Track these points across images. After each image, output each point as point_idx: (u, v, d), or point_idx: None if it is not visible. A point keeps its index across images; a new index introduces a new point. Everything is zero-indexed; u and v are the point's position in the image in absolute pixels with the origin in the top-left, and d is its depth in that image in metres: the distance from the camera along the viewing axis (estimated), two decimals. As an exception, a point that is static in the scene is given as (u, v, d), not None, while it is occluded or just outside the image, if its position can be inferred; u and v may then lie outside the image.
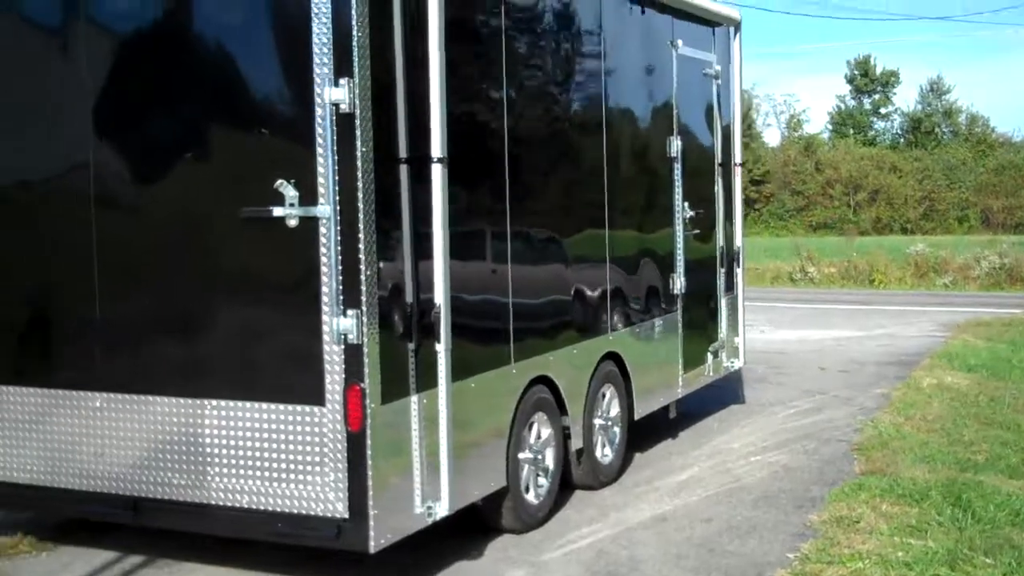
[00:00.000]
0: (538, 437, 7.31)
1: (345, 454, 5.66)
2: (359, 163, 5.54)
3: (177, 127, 6.03)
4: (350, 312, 5.58)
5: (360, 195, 5.55)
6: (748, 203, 70.41)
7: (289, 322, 5.76)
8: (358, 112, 5.52)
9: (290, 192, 5.63)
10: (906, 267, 30.40)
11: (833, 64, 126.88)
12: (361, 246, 5.56)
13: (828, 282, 30.03)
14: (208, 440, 5.96)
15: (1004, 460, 8.74)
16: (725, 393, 11.60)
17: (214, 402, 5.94)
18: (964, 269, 29.42)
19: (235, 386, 5.89)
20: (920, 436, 9.54)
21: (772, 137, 78.31)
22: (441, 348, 6.00)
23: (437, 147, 5.93)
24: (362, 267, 5.57)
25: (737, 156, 10.58)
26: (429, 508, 6.04)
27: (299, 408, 5.74)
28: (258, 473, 5.85)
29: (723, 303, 10.33)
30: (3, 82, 6.48)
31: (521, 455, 7.09)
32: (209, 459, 5.96)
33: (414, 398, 5.98)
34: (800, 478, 8.38)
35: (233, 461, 5.91)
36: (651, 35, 8.97)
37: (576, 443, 7.72)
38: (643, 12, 8.77)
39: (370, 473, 5.64)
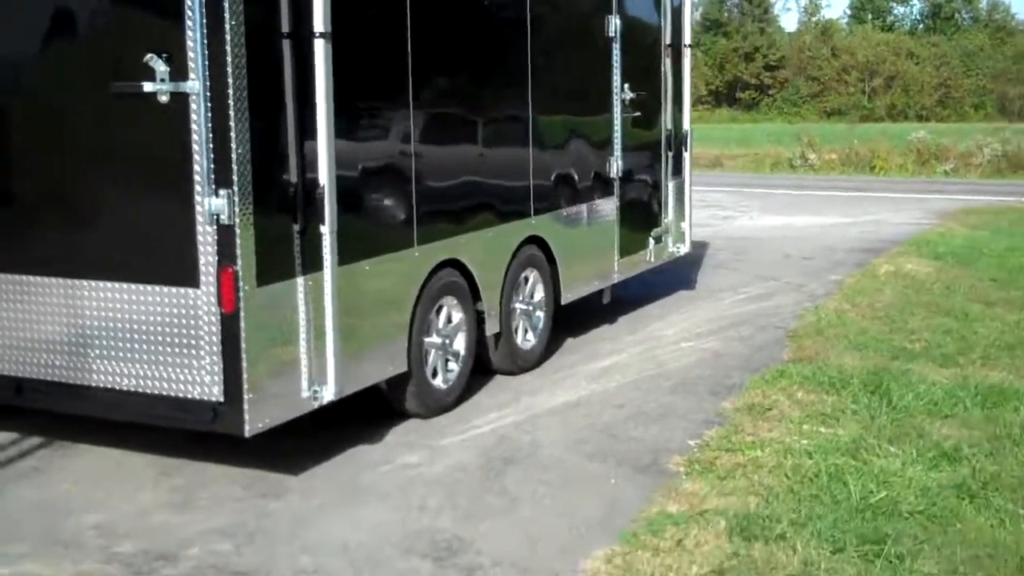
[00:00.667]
0: (448, 321, 7.21)
1: (219, 336, 5.56)
2: (228, 37, 5.33)
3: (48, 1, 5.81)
4: (222, 192, 5.42)
5: (230, 70, 5.35)
6: (761, 88, 69.90)
7: (163, 202, 5.61)
8: (227, -16, 5.30)
9: (160, 67, 5.44)
10: (908, 154, 30.03)
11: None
12: (232, 123, 5.38)
13: (828, 168, 29.71)
14: (88, 322, 5.87)
15: (941, 349, 8.63)
16: (675, 278, 11.48)
17: (92, 283, 5.83)
18: (966, 157, 29.04)
19: (112, 267, 5.77)
20: (861, 323, 9.42)
21: (790, 23, 76.94)
22: (326, 230, 5.85)
23: (320, 22, 5.71)
24: (233, 145, 5.40)
25: (686, 38, 10.28)
26: (315, 392, 5.96)
27: (174, 290, 5.63)
28: (136, 356, 5.77)
29: (669, 188, 10.14)
30: None
31: (427, 339, 6.99)
32: (89, 341, 5.88)
33: (299, 280, 5.86)
34: (725, 365, 8.28)
35: (112, 343, 5.82)
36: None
37: (492, 328, 7.62)
38: None
39: (244, 356, 5.54)
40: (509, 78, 7.77)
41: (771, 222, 17.21)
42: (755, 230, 16.18)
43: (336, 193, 5.86)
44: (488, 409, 7.27)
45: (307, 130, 5.79)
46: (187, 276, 5.57)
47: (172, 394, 5.71)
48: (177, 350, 5.66)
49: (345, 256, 6.06)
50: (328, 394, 5.98)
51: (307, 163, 5.81)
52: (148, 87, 5.47)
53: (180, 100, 5.45)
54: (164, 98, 5.47)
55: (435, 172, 6.92)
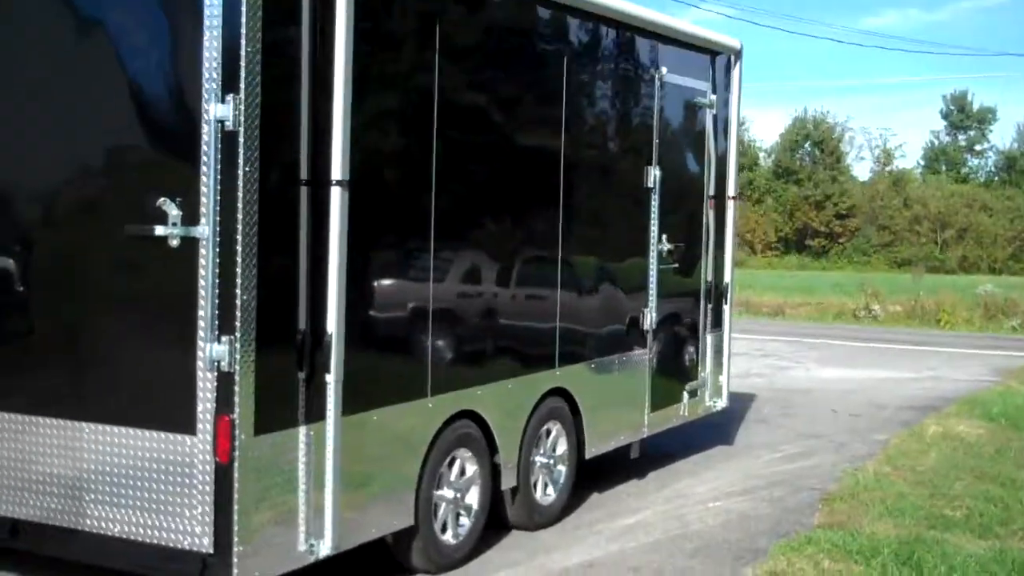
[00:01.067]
0: (461, 474, 7.04)
1: (213, 486, 5.44)
2: (240, 183, 5.33)
3: (65, 138, 5.85)
4: (224, 338, 5.36)
5: (240, 216, 5.34)
6: (831, 236, 69.57)
7: (167, 346, 5.56)
8: (242, 130, 5.32)
9: (173, 211, 5.44)
10: (974, 308, 29.54)
11: (930, 99, 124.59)
12: (238, 270, 5.35)
13: (893, 321, 29.24)
14: (85, 464, 5.78)
15: (982, 518, 8.29)
16: (712, 433, 11.20)
17: (92, 425, 5.75)
18: (1034, 312, 28.49)
19: (113, 410, 5.70)
20: (900, 488, 9.09)
21: (862, 171, 77.00)
22: (331, 379, 5.76)
23: (338, 170, 5.71)
24: (238, 291, 5.35)
25: (731, 189, 10.20)
26: (312, 546, 5.80)
27: (172, 436, 5.53)
28: (130, 501, 5.65)
29: (707, 341, 9.95)
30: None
31: (438, 492, 6.82)
32: (85, 484, 5.78)
33: (302, 430, 5.76)
34: (752, 528, 7.99)
35: (107, 488, 5.71)
36: (629, 60, 8.67)
37: (508, 482, 7.42)
38: (619, 35, 8.47)
39: (236, 507, 5.41)
40: (537, 225, 7.70)
41: (826, 374, 16.89)
42: (808, 382, 15.87)
43: (345, 341, 5.78)
44: (498, 567, 7.04)
45: (319, 277, 5.74)
46: (184, 423, 5.48)
47: (162, 543, 5.57)
48: (170, 498, 5.54)
49: (352, 405, 5.96)
50: (325, 548, 5.82)
51: (316, 310, 5.74)
52: (159, 231, 5.46)
53: (190, 245, 5.43)
54: (175, 242, 5.46)
55: (453, 320, 6.84)
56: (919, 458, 10.30)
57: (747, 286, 38.86)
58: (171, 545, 5.54)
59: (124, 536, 5.67)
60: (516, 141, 7.47)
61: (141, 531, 5.62)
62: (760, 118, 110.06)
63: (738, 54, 10.07)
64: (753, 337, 22.66)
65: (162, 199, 5.43)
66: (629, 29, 8.60)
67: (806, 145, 76.08)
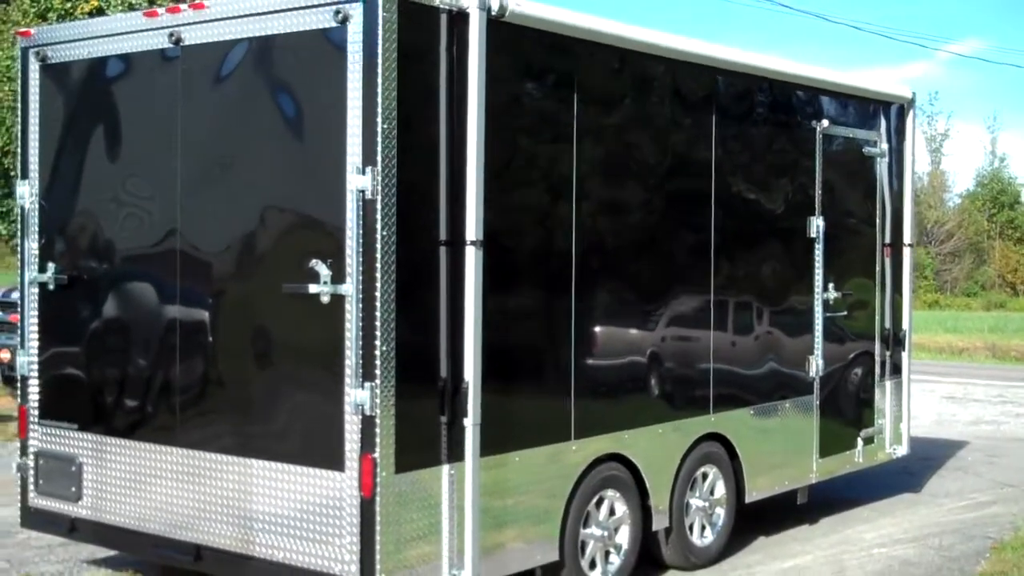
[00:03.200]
0: (611, 514, 7.40)
1: (359, 518, 6.02)
2: (378, 246, 5.94)
3: (236, 206, 6.60)
4: (367, 385, 5.96)
5: (378, 275, 5.94)
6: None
7: (320, 391, 6.19)
8: (379, 199, 5.93)
9: (324, 271, 6.09)
10: None
11: None
12: (378, 323, 5.94)
13: None
14: (254, 496, 6.46)
15: None
16: (900, 480, 11.15)
17: (260, 462, 6.44)
18: None
19: (276, 448, 6.37)
20: (1083, 541, 8.88)
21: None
22: (469, 423, 6.27)
23: (472, 231, 6.25)
24: (377, 343, 5.94)
25: (907, 236, 10.23)
26: (454, 575, 6.31)
27: (325, 472, 6.15)
28: (291, 531, 6.30)
29: (885, 387, 9.98)
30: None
31: (585, 530, 7.20)
32: (254, 514, 6.46)
33: (444, 468, 6.28)
34: (909, 574, 8.02)
35: (272, 518, 6.37)
36: (784, 114, 8.92)
37: (660, 523, 7.73)
38: (772, 90, 8.74)
39: (379, 538, 5.97)
40: (691, 282, 8.03)
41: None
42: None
43: (486, 387, 6.30)
44: (647, 604, 7.36)
45: (457, 328, 6.27)
46: (334, 460, 6.09)
47: (317, 568, 6.18)
48: (324, 528, 6.15)
49: (494, 446, 6.47)
50: (465, 578, 6.31)
51: (456, 360, 6.27)
52: (312, 288, 6.11)
53: (338, 301, 6.06)
54: (325, 299, 6.09)
55: (598, 365, 7.24)
56: (1116, 507, 9.99)
57: (996, 329, 37.46)
58: (325, 571, 6.15)
59: (286, 562, 6.31)
60: (669, 195, 7.87)
61: (300, 558, 6.25)
62: (1017, 155, 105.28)
63: (910, 103, 10.13)
64: (996, 383, 22.00)
65: (314, 260, 6.09)
66: (785, 86, 8.86)
67: (1069, 181, 72.50)
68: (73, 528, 7.38)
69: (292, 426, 6.35)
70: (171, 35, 6.76)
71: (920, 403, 18.21)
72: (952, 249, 68.94)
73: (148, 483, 6.96)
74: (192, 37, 6.70)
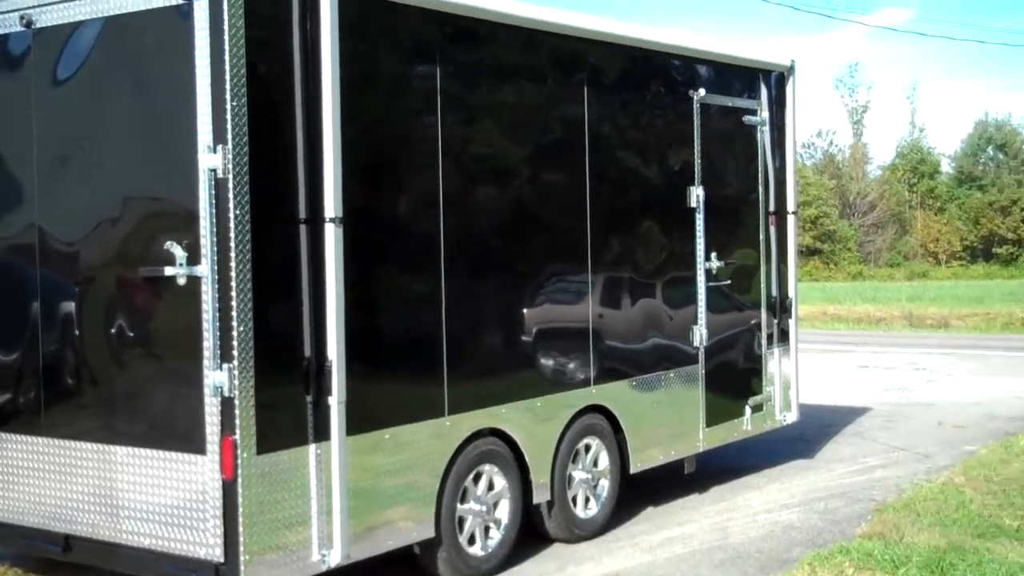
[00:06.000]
0: (489, 488, 7.41)
1: (221, 501, 5.97)
2: (232, 225, 5.87)
3: (90, 189, 6.49)
4: (224, 366, 5.90)
5: (233, 255, 5.88)
6: (1020, 243, 66.99)
7: (180, 374, 6.13)
8: (231, 177, 5.86)
9: (179, 252, 6.02)
10: None
11: None
12: (233, 303, 5.88)
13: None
14: (119, 484, 6.38)
15: (1040, 527, 8.20)
16: (795, 447, 11.29)
17: (123, 449, 6.36)
18: None
19: (138, 434, 6.29)
20: (964, 498, 9.04)
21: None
22: (333, 401, 6.24)
23: (331, 208, 6.21)
24: (234, 323, 5.89)
25: (791, 204, 10.33)
26: (323, 556, 6.28)
27: (187, 456, 6.08)
28: (157, 517, 6.23)
29: (772, 355, 10.08)
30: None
31: (463, 506, 7.20)
32: (120, 501, 6.38)
33: (311, 448, 6.25)
34: (791, 539, 8.13)
35: (138, 504, 6.30)
36: (661, 83, 8.94)
37: (541, 496, 7.75)
38: (646, 60, 8.76)
39: (241, 520, 5.92)
40: (563, 254, 8.03)
41: (966, 387, 16.47)
42: (939, 395, 15.56)
43: (351, 365, 6.27)
44: (527, 577, 7.39)
45: (320, 307, 6.23)
46: (196, 443, 6.03)
47: (181, 553, 6.12)
48: (188, 512, 6.09)
49: (363, 424, 6.46)
50: (335, 558, 6.28)
51: (319, 339, 6.23)
52: (168, 271, 6.04)
53: (194, 283, 5.99)
54: (182, 281, 6.03)
55: (471, 340, 7.23)
56: (999, 468, 10.17)
57: (915, 298, 38.08)
58: (189, 555, 6.10)
59: (151, 548, 6.25)
60: (540, 167, 7.87)
61: (166, 543, 6.18)
62: (936, 125, 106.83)
63: (790, 71, 10.21)
64: (910, 350, 22.34)
65: (169, 242, 6.02)
66: (659, 56, 8.89)
67: (988, 149, 73.78)
68: None
69: (154, 411, 6.28)
70: (22, 18, 6.63)
71: (832, 372, 18.51)
72: (875, 220, 69.96)
73: (17, 475, 6.86)
74: (44, 19, 6.58)
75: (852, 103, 75.99)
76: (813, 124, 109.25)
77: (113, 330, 6.42)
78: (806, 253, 62.86)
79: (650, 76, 8.87)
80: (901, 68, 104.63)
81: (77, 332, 6.59)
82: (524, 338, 7.68)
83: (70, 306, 6.63)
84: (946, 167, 75.53)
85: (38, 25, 6.60)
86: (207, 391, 5.96)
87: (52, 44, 6.58)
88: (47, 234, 6.68)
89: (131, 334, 6.36)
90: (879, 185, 72.04)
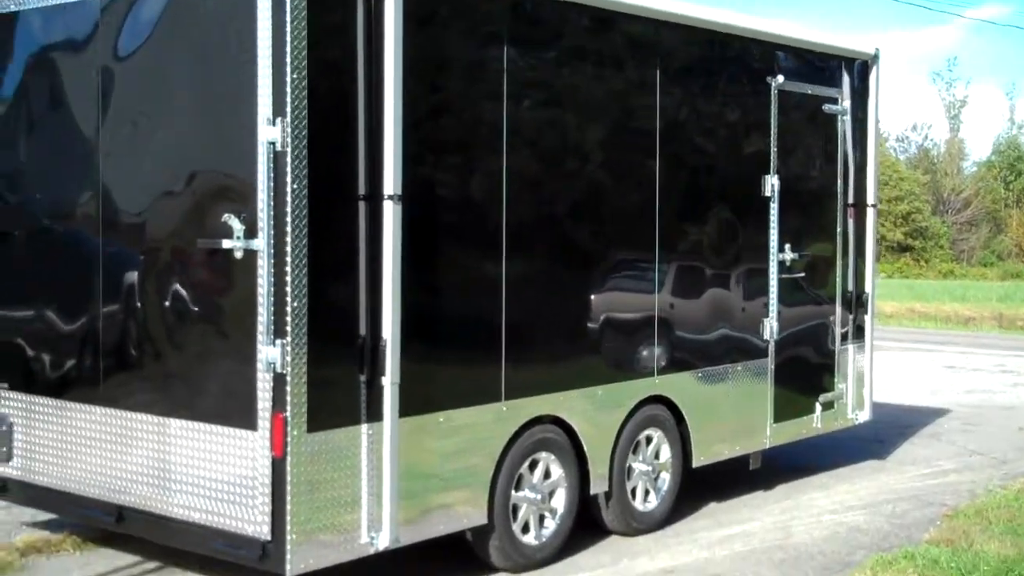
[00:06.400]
0: (545, 476, 7.28)
1: (270, 478, 5.92)
2: (289, 199, 5.81)
3: (152, 162, 6.48)
4: (278, 342, 5.84)
5: (289, 230, 5.81)
6: None
7: (234, 349, 6.08)
8: (289, 150, 5.79)
9: (236, 225, 5.96)
10: None
11: None
12: (288, 279, 5.82)
13: None
14: (171, 457, 6.37)
15: (1118, 542, 7.88)
16: (868, 447, 11.01)
17: (177, 421, 6.34)
18: None
19: (192, 407, 6.27)
20: (1044, 507, 8.73)
21: None
22: (387, 382, 6.15)
23: (390, 185, 6.12)
24: (288, 299, 5.82)
25: (871, 197, 10.04)
26: (372, 538, 6.21)
27: (239, 432, 6.04)
28: (207, 492, 6.19)
29: (846, 351, 9.82)
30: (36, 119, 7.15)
31: (518, 493, 7.09)
32: (172, 475, 6.36)
33: (363, 428, 6.17)
34: (855, 541, 7.90)
35: (188, 478, 6.28)
36: (737, 69, 8.72)
37: (598, 487, 7.61)
38: (722, 44, 8.55)
39: (289, 498, 5.87)
40: (632, 241, 7.87)
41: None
42: (1021, 399, 15.13)
43: (410, 346, 6.19)
44: (580, 568, 7.26)
45: (376, 286, 6.14)
46: (247, 419, 5.98)
47: (230, 529, 6.08)
48: (238, 488, 6.05)
49: (418, 406, 6.38)
50: (384, 542, 6.21)
51: (375, 318, 6.15)
52: (226, 244, 5.99)
53: (251, 256, 5.93)
54: (239, 254, 5.97)
55: (532, 325, 7.10)
56: (1080, 477, 9.83)
57: (1007, 298, 37.18)
58: (237, 532, 6.06)
59: (202, 522, 6.22)
60: (609, 151, 7.71)
61: (216, 519, 6.15)
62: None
63: (874, 59, 9.92)
64: (998, 352, 21.82)
65: (227, 215, 5.97)
66: (735, 40, 8.67)
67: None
68: (4, 488, 7.32)
69: (208, 384, 6.24)
70: (92, -14, 6.63)
71: (916, 372, 18.09)
72: (969, 218, 68.49)
73: (74, 443, 6.88)
74: (113, -12, 6.57)
75: (949, 97, 74.38)
76: (908, 118, 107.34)
77: (171, 302, 6.39)
78: (897, 249, 61.79)
79: (725, 61, 8.65)
80: (1001, 64, 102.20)
81: (137, 303, 6.58)
82: (586, 325, 7.54)
83: (130, 276, 6.62)
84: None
85: (108, -7, 6.58)
86: (259, 366, 5.90)
87: (118, 13, 6.57)
88: (111, 204, 6.67)
89: (188, 307, 6.33)
90: (974, 182, 70.48)
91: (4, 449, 7.24)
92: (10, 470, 7.24)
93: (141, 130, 6.53)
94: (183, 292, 6.35)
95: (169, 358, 6.44)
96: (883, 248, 60.99)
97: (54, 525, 7.77)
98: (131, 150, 6.58)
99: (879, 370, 17.16)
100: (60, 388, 6.95)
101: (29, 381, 7.11)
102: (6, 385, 7.24)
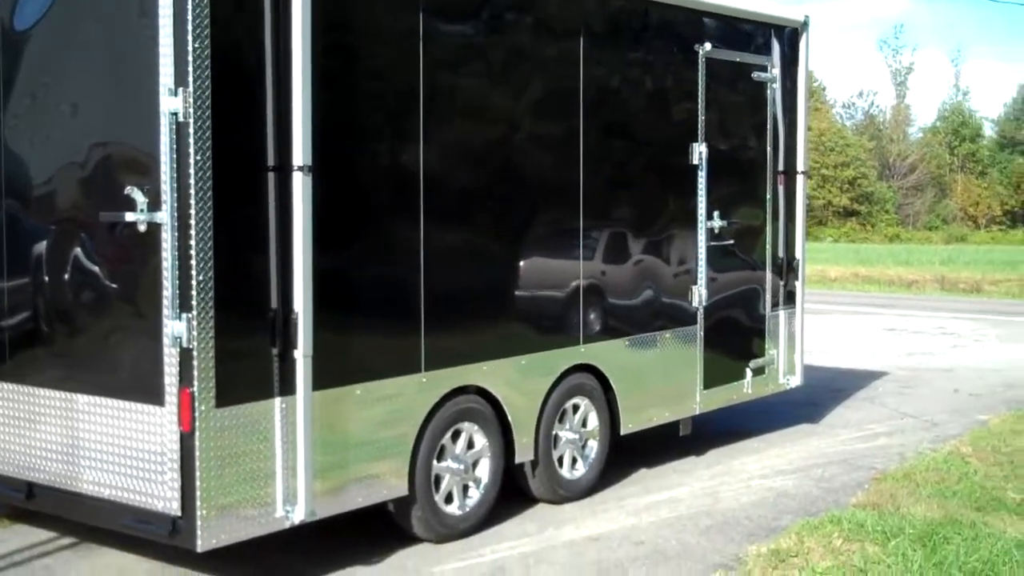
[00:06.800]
0: (469, 447, 7.22)
1: (179, 454, 5.81)
2: (192, 170, 5.66)
3: (56, 133, 6.31)
4: (183, 316, 5.72)
5: (192, 202, 5.67)
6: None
7: (140, 323, 5.95)
8: (192, 121, 5.65)
9: (140, 198, 5.81)
10: None
11: None
12: (193, 252, 5.68)
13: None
14: (80, 433, 6.24)
15: (1045, 500, 7.93)
16: (802, 411, 11.04)
17: (85, 397, 6.20)
18: None
19: (100, 382, 6.13)
20: (968, 469, 8.77)
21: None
22: (299, 355, 6.05)
23: (299, 155, 5.99)
24: (193, 272, 5.69)
25: (800, 163, 10.01)
26: (287, 512, 6.11)
27: (146, 407, 5.92)
28: (117, 468, 6.07)
29: (778, 317, 9.81)
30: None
31: (440, 464, 7.02)
32: (81, 451, 6.24)
33: (276, 402, 6.07)
34: (783, 506, 7.90)
35: (99, 455, 6.15)
36: (663, 36, 8.63)
37: (523, 456, 7.55)
38: (647, 11, 8.46)
39: (199, 474, 5.75)
40: (554, 208, 7.78)
41: (991, 354, 16.13)
42: (959, 361, 15.24)
43: (322, 318, 6.08)
44: (505, 537, 7.20)
45: (287, 257, 6.02)
46: (155, 395, 5.86)
47: (140, 505, 5.97)
48: (147, 464, 5.93)
49: (333, 379, 6.28)
50: (299, 515, 6.11)
51: (286, 289, 6.03)
52: (129, 216, 5.84)
53: (155, 229, 5.79)
54: (142, 227, 5.83)
55: (451, 294, 6.99)
56: (1009, 440, 9.88)
57: (949, 261, 37.55)
58: (147, 507, 5.94)
59: (112, 499, 6.10)
60: (530, 116, 7.61)
61: (126, 495, 6.03)
62: (980, 89, 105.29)
63: (803, 27, 9.87)
64: (940, 315, 22.00)
65: (130, 187, 5.82)
66: (662, 7, 8.57)
67: (1033, 114, 72.55)
68: None
69: (116, 360, 6.10)
70: (-14, -45, 6.43)
71: (857, 335, 18.21)
72: (914, 183, 69.14)
73: (-17, 421, 6.73)
74: (8, -44, 6.38)
75: (896, 64, 74.88)
76: (854, 85, 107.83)
77: (76, 276, 6.25)
78: (843, 214, 62.27)
79: (651, 28, 8.56)
80: (946, 31, 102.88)
81: (41, 277, 6.42)
82: (509, 294, 7.46)
83: (35, 250, 6.46)
84: (989, 131, 74.37)
85: (7, -40, 6.39)
86: (166, 341, 5.78)
87: (16, -18, 6.39)
88: (14, 177, 6.51)
89: (94, 281, 6.19)
90: (920, 147, 71.15)
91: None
92: (-85, 450, 7.07)
93: (44, 100, 6.36)
94: (88, 266, 6.20)
95: (76, 333, 6.30)
96: (830, 213, 61.56)
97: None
98: (33, 121, 6.42)
99: (819, 334, 17.41)
100: None
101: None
102: None
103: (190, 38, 5.61)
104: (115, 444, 6.07)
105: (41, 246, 6.43)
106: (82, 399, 6.21)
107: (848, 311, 22.12)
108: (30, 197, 6.48)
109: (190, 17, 5.60)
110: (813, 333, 17.20)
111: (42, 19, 6.35)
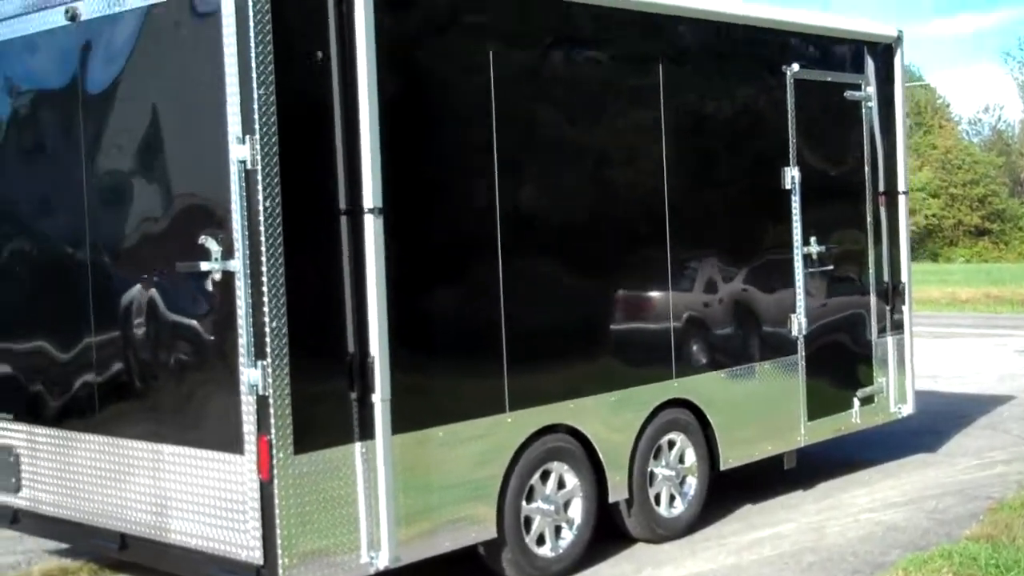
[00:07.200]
0: (559, 487, 7.08)
1: (259, 502, 5.79)
2: (261, 217, 5.67)
3: (133, 188, 6.41)
4: (259, 363, 5.71)
5: (263, 249, 5.68)
6: None
7: (220, 372, 5.96)
8: (260, 168, 5.66)
9: (214, 247, 5.85)
10: None
11: None
12: (265, 299, 5.68)
13: None
14: (166, 483, 6.26)
15: None
16: (919, 440, 10.63)
17: (169, 447, 6.24)
18: None
19: (184, 432, 6.15)
20: (1093, 498, 8.32)
21: None
22: (377, 398, 6.00)
23: (369, 198, 5.97)
24: (267, 319, 5.69)
25: (901, 183, 9.68)
26: (372, 558, 6.05)
27: (227, 456, 5.92)
28: (202, 517, 6.08)
29: (884, 343, 9.47)
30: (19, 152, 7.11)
31: (529, 505, 6.90)
32: (169, 501, 6.26)
33: (356, 447, 6.03)
34: (891, 540, 7.58)
35: (184, 504, 6.17)
36: (748, 59, 8.44)
37: (617, 495, 7.38)
38: (729, 35, 8.28)
39: (279, 521, 5.73)
40: (641, 230, 7.64)
41: None
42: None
43: (397, 360, 6.02)
44: (598, 580, 7.04)
45: (362, 300, 5.99)
46: (234, 443, 5.86)
47: (226, 555, 5.96)
48: (231, 513, 5.93)
49: (414, 422, 6.23)
50: (383, 561, 6.05)
51: (361, 333, 6.00)
52: (204, 266, 5.88)
53: (229, 278, 5.81)
54: (217, 276, 5.86)
55: (535, 332, 6.88)
56: None
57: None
58: (232, 556, 5.93)
59: (199, 548, 6.11)
60: (610, 149, 7.49)
61: (211, 544, 6.03)
62: None
63: (897, 42, 9.58)
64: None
65: (204, 237, 5.86)
66: (745, 30, 8.39)
67: None
68: (15, 519, 7.29)
69: (198, 409, 6.13)
70: (67, 11, 6.56)
71: (986, 357, 17.55)
72: (1049, 199, 66.85)
73: (76, 472, 6.81)
74: (87, 11, 6.49)
75: (1021, 77, 72.71)
76: (979, 100, 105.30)
77: (157, 328, 6.30)
78: (975, 233, 60.54)
79: (735, 52, 8.37)
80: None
81: (125, 331, 6.48)
82: (596, 329, 7.32)
83: (118, 304, 6.52)
84: None
85: (83, 18, 6.51)
86: (243, 389, 5.78)
87: (94, 42, 6.49)
88: (97, 229, 6.60)
89: (175, 332, 6.22)
90: (1053, 162, 68.81)
91: (12, 480, 7.21)
92: (19, 501, 7.20)
93: (122, 158, 6.45)
94: (169, 317, 6.24)
95: (159, 384, 6.34)
96: (961, 232, 59.88)
97: (75, 553, 7.72)
98: (114, 179, 6.51)
99: (946, 358, 16.83)
100: (60, 418, 6.90)
101: (32, 412, 7.07)
102: (10, 416, 7.21)
103: (255, 85, 5.64)
104: (200, 494, 6.08)
105: (125, 300, 6.49)
106: (168, 449, 6.24)
107: (977, 333, 21.39)
108: (114, 252, 6.56)
109: (254, 64, 5.63)
110: (939, 357, 16.71)
111: (117, 76, 6.44)
